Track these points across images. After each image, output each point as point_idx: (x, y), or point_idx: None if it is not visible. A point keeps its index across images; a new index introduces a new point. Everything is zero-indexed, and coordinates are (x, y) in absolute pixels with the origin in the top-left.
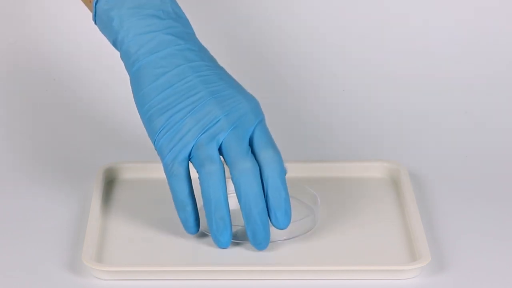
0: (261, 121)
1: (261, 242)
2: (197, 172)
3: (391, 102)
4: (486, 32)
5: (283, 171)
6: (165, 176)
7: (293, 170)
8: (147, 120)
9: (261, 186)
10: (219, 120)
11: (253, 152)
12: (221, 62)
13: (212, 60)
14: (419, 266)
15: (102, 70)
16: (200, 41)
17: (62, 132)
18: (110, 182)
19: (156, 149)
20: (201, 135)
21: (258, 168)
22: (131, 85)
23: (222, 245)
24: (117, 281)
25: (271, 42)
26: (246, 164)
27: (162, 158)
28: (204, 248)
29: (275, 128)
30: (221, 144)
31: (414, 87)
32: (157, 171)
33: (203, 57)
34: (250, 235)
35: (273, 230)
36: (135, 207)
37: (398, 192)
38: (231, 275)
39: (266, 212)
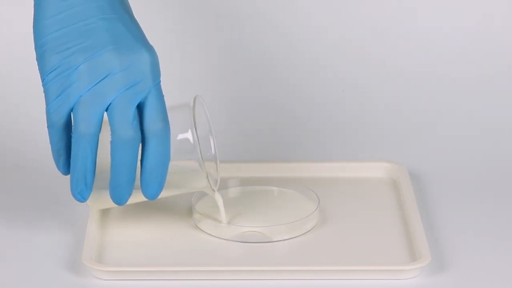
0: (157, 84)
1: (120, 201)
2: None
3: (391, 102)
4: (487, 33)
5: (167, 147)
6: None
7: (293, 170)
8: (40, 55)
9: (136, 158)
10: (114, 74)
11: (141, 117)
12: (221, 61)
13: (121, 2)
14: (419, 266)
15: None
16: (200, 40)
17: None
18: None
19: (43, 89)
20: (89, 89)
21: (139, 138)
22: (34, 12)
23: (77, 200)
24: (117, 281)
25: (271, 42)
26: (127, 134)
27: (46, 104)
28: (204, 248)
29: (275, 128)
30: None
31: (414, 87)
32: None
33: (112, 0)
34: (111, 191)
35: (273, 229)
36: (135, 207)
37: (398, 192)
38: (231, 275)
39: (133, 181)
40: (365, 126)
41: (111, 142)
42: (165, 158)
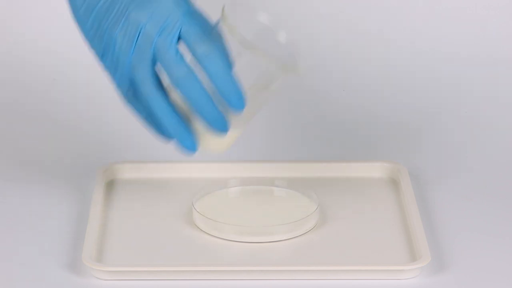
0: (185, 12)
1: (221, 128)
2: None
3: (391, 102)
4: (486, 33)
5: (224, 58)
6: (166, 174)
7: (293, 170)
8: (90, 41)
9: (202, 85)
10: (144, 27)
11: (189, 48)
12: None
13: None
14: (419, 266)
15: (102, 70)
16: None
17: (62, 132)
18: (110, 182)
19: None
20: (132, 53)
21: (192, 71)
22: (70, 10)
23: (189, 150)
24: (117, 281)
25: None
26: (179, 71)
27: (112, 83)
28: (204, 248)
29: (276, 127)
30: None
31: (414, 87)
32: (157, 171)
33: None
34: (210, 127)
35: (273, 229)
36: (135, 207)
37: (398, 192)
38: (231, 275)
39: (216, 106)
40: (365, 126)
41: (175, 87)
42: (227, 69)
